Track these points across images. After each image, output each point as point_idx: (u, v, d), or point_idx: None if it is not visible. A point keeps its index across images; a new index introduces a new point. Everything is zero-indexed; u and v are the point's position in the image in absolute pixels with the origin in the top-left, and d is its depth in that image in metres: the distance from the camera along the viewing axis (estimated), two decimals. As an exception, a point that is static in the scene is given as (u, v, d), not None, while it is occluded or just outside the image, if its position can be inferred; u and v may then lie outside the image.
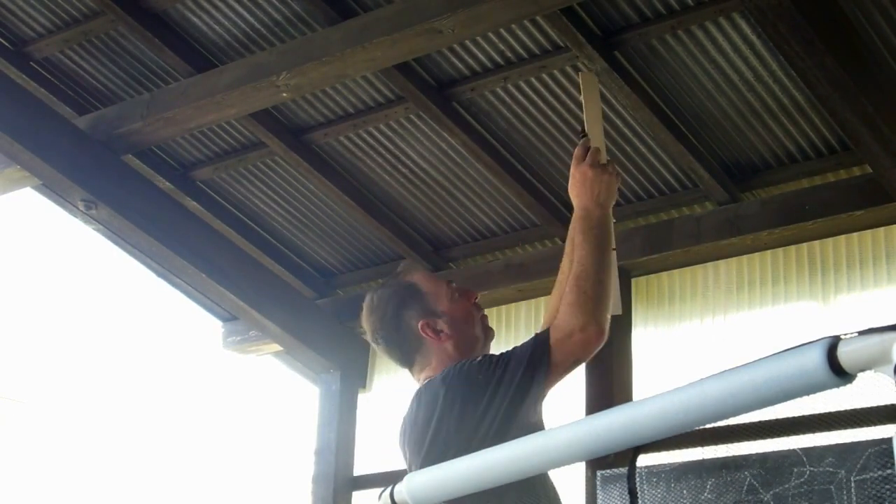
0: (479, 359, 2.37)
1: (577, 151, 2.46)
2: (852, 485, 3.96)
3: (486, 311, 2.66)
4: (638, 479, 4.23)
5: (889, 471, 3.90)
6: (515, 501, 2.24)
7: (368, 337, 2.61)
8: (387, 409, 5.59)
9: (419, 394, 2.46)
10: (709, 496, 4.25)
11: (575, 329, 2.24)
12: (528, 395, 2.27)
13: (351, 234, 5.63)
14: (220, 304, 5.50)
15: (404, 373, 2.61)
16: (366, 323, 2.60)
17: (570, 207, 2.66)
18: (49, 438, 13.31)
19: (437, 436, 2.33)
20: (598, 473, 4.42)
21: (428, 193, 5.24)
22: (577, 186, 2.41)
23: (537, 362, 2.27)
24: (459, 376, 2.34)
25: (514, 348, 2.34)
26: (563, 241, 2.91)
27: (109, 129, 4.75)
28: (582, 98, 2.88)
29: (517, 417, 2.26)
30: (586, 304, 2.26)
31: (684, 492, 4.30)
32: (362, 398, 5.73)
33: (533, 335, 2.35)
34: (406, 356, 2.54)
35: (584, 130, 2.58)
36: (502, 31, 4.33)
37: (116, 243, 5.45)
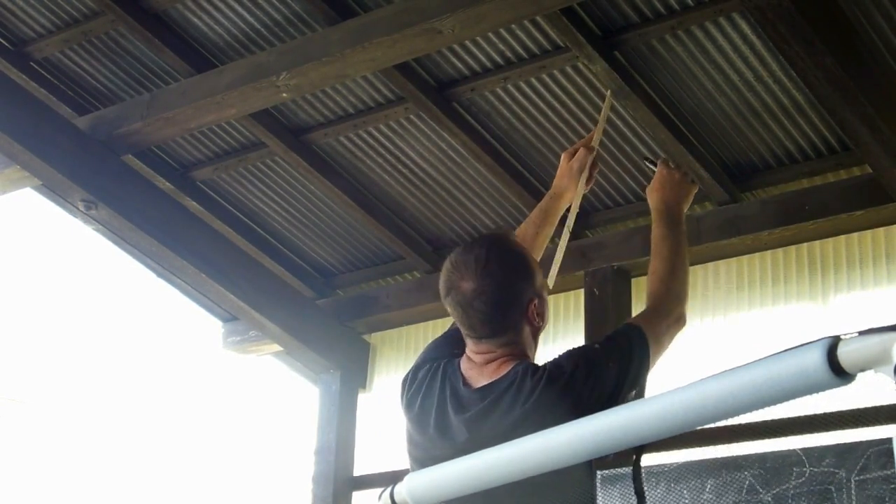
0: (597, 346, 2.38)
1: (661, 164, 2.75)
2: (852, 485, 3.96)
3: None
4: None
5: (889, 471, 3.90)
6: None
7: (456, 295, 2.34)
8: (387, 409, 5.60)
9: (523, 373, 2.28)
10: (709, 496, 4.25)
11: (676, 315, 2.47)
12: (641, 380, 2.37)
13: (351, 234, 5.62)
14: (220, 304, 5.49)
15: (404, 373, 2.55)
16: (469, 278, 2.32)
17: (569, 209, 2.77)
18: (49, 438, 13.31)
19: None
20: (598, 474, 4.41)
21: (428, 193, 5.24)
22: (666, 187, 2.72)
23: (648, 349, 2.37)
24: (589, 362, 2.30)
25: (622, 334, 2.38)
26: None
27: (109, 129, 4.75)
28: (601, 114, 3.53)
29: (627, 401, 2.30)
30: (681, 293, 2.51)
31: (684, 492, 4.31)
32: (362, 398, 5.73)
33: (626, 324, 2.45)
34: (502, 327, 2.34)
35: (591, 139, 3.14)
36: (502, 31, 4.32)
37: (116, 243, 5.44)
